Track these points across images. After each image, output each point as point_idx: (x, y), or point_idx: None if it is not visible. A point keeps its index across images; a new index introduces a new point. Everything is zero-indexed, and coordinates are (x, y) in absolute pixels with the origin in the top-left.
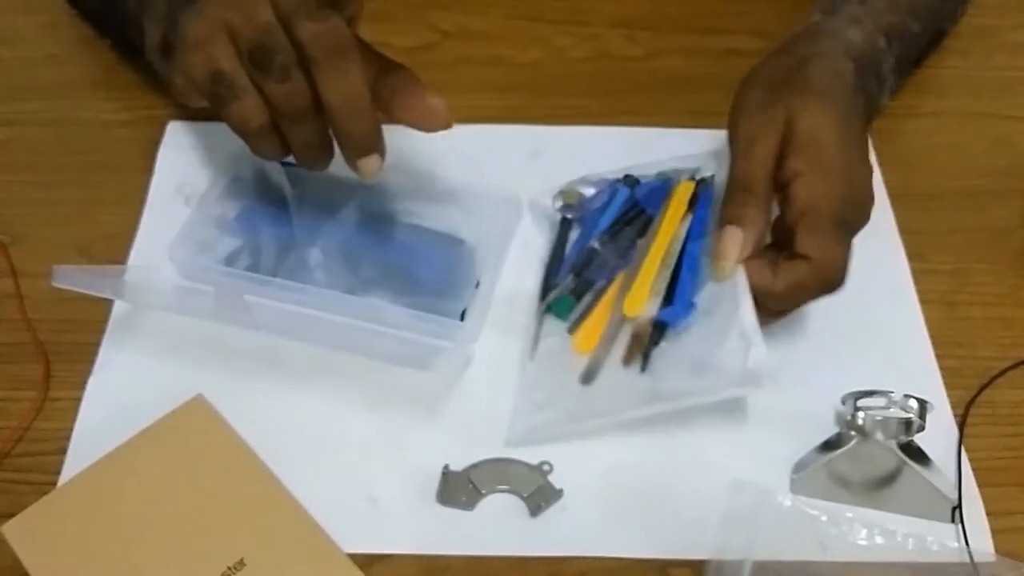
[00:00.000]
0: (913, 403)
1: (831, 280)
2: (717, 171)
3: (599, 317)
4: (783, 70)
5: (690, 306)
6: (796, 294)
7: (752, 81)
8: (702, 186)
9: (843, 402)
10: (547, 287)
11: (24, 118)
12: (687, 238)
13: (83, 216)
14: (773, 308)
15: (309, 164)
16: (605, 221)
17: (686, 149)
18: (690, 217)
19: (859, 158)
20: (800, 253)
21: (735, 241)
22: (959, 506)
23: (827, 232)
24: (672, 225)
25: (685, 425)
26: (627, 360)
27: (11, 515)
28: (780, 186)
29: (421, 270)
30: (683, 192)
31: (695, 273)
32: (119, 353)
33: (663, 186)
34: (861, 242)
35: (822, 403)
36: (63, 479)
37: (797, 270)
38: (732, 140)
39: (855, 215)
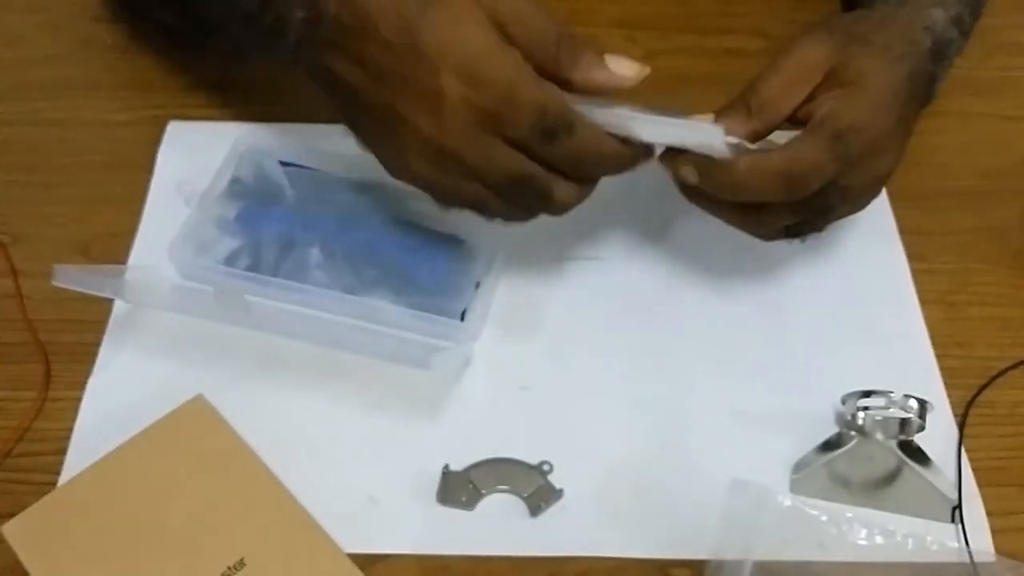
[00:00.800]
0: (913, 403)
1: (796, 184)
2: None
3: None
4: (858, 20)
5: None
6: (756, 178)
7: (822, 24)
8: None
9: (843, 402)
10: None
11: (24, 118)
12: None
13: (83, 216)
14: (727, 190)
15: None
16: None
17: None
18: None
19: (902, 124)
20: (788, 145)
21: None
22: (959, 506)
23: (821, 135)
24: None
25: (685, 425)
26: None
27: (11, 515)
28: (802, 112)
29: (421, 270)
30: None
31: None
32: (119, 353)
33: None
34: (861, 242)
35: (822, 403)
36: (63, 479)
37: (768, 158)
38: (778, 51)
39: (861, 153)
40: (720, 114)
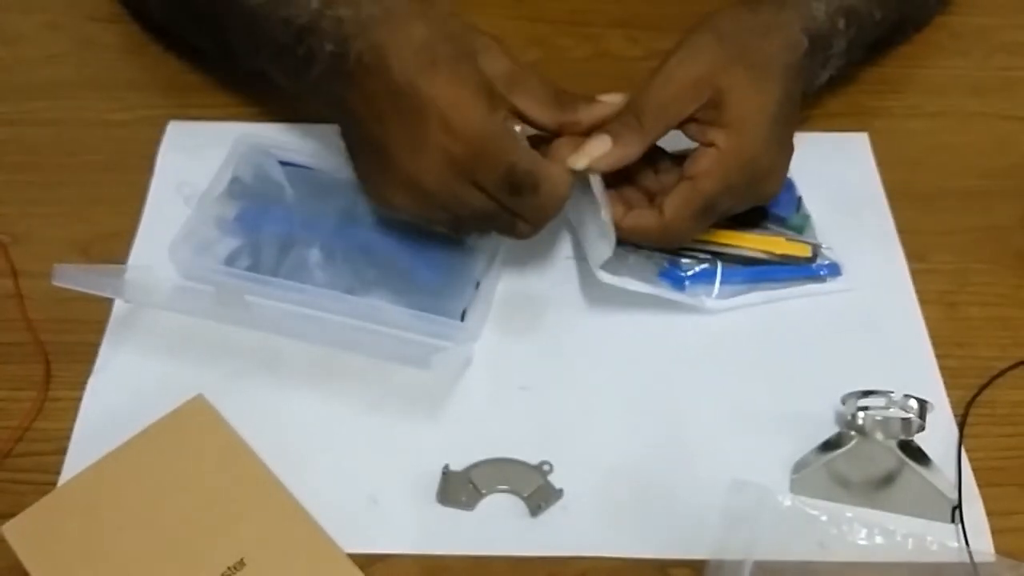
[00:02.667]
0: (913, 403)
1: (671, 240)
2: None
3: None
4: (743, 30)
5: None
6: (637, 237)
7: (710, 25)
8: None
9: (843, 402)
10: None
11: (24, 118)
12: None
13: (83, 216)
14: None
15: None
16: None
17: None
18: None
19: (783, 145)
20: (661, 205)
21: (600, 148)
22: (959, 506)
23: (693, 208)
24: None
25: (685, 425)
26: None
27: (11, 515)
28: (689, 134)
29: (421, 270)
30: None
31: None
32: (119, 353)
33: None
34: (861, 242)
35: (822, 403)
36: (63, 479)
37: (647, 220)
38: (663, 63)
39: (735, 203)
40: (612, 130)
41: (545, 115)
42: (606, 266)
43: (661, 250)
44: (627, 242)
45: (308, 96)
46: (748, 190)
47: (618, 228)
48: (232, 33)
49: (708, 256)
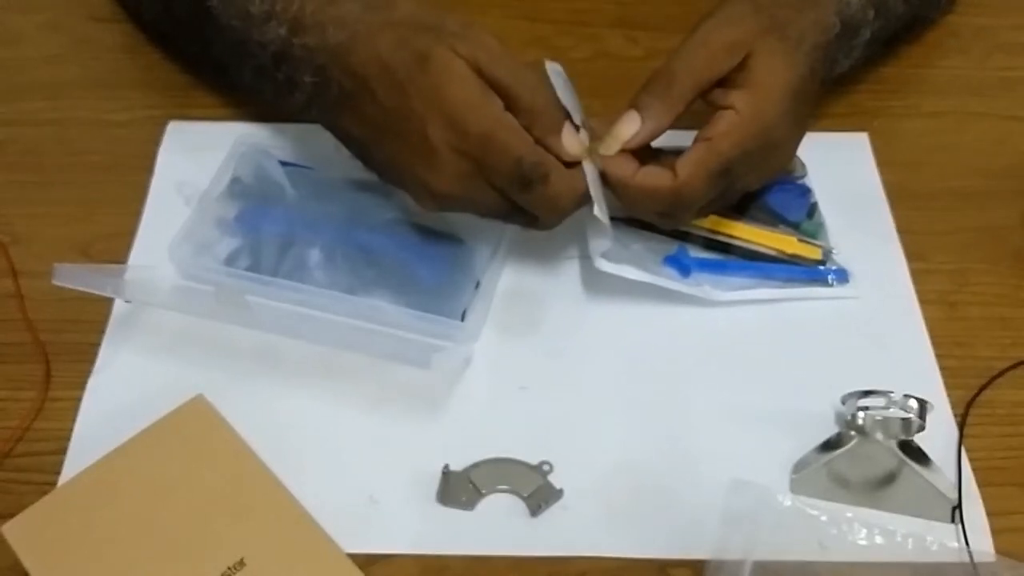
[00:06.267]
0: (913, 403)
1: (682, 204)
2: None
3: None
4: (779, 3)
5: None
6: (646, 198)
7: None
8: None
9: (843, 402)
10: None
11: (24, 118)
12: None
13: (83, 216)
14: (623, 202)
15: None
16: None
17: None
18: None
19: (798, 122)
20: (673, 166)
21: (631, 128)
22: (959, 506)
23: (708, 169)
24: None
25: (685, 425)
26: None
27: (11, 515)
28: (710, 98)
29: (421, 270)
30: None
31: None
32: (119, 353)
33: None
34: (861, 242)
35: (822, 403)
36: (63, 479)
37: (659, 178)
38: (694, 29)
39: (748, 172)
40: (640, 102)
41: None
42: (607, 254)
43: (667, 233)
44: (633, 218)
45: (301, 116)
46: (762, 160)
47: (628, 187)
48: (218, 50)
49: (716, 245)
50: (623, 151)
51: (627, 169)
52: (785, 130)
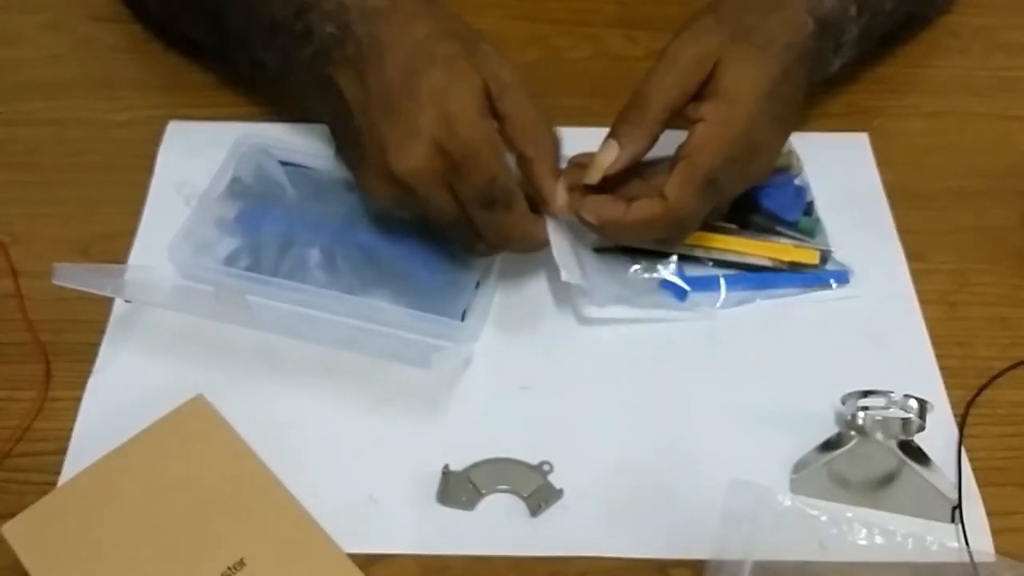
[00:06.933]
0: (913, 403)
1: (678, 226)
2: None
3: None
4: (742, 9)
5: None
6: (643, 230)
7: (710, 8)
8: None
9: (843, 402)
10: None
11: (24, 118)
12: None
13: (83, 216)
14: (621, 241)
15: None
16: None
17: None
18: None
19: (777, 123)
20: (661, 191)
21: (610, 156)
22: (959, 506)
23: (695, 185)
24: None
25: (685, 425)
26: None
27: (11, 515)
28: (684, 113)
29: (421, 270)
30: None
31: None
32: (119, 353)
33: None
34: (861, 242)
35: (822, 403)
36: (63, 479)
37: (651, 208)
38: (663, 52)
39: (734, 179)
40: (617, 130)
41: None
42: (595, 298)
43: (663, 254)
44: (634, 244)
45: (297, 79)
46: (746, 164)
47: (623, 225)
48: (228, 15)
49: (711, 263)
50: (606, 195)
51: (616, 210)
52: (763, 132)
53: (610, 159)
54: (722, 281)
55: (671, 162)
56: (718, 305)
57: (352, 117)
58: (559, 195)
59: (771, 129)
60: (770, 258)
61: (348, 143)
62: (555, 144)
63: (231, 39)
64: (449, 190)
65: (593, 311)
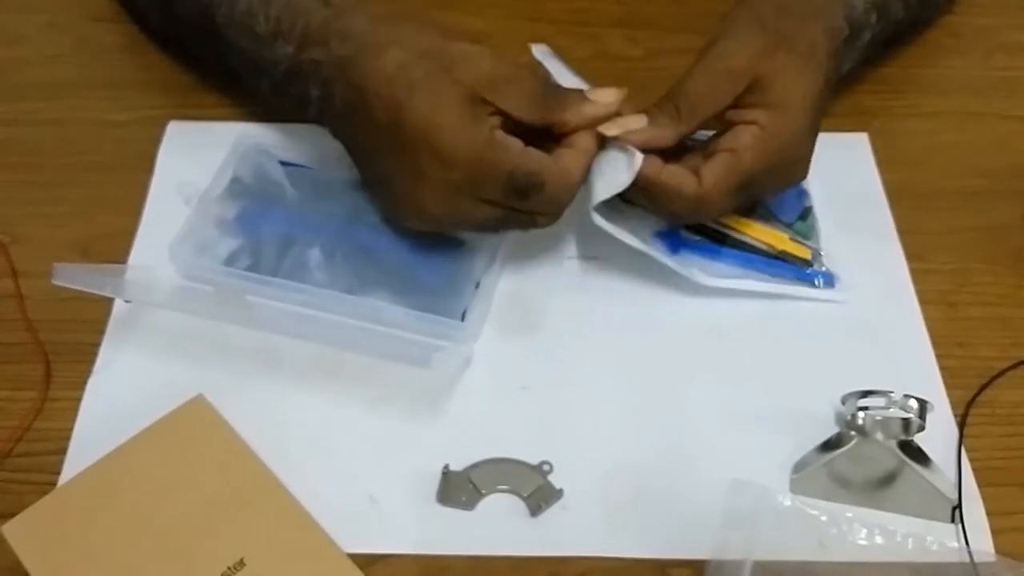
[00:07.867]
0: (913, 403)
1: (700, 210)
2: None
3: None
4: (786, 14)
5: None
6: (667, 194)
7: (752, 10)
8: None
9: (843, 402)
10: None
11: (24, 118)
12: None
13: (83, 216)
14: (639, 198)
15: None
16: None
17: None
18: None
19: (814, 133)
20: (699, 172)
21: (635, 124)
22: (959, 506)
23: (731, 180)
24: None
25: (685, 425)
26: None
27: (11, 515)
28: (727, 117)
29: (421, 270)
30: None
31: None
32: (119, 353)
33: None
34: (861, 242)
35: (822, 403)
36: (63, 479)
37: (685, 179)
38: (705, 53)
39: (769, 185)
40: (650, 113)
41: (531, 113)
42: (602, 212)
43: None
44: (643, 205)
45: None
46: (782, 174)
47: (654, 183)
48: (233, 63)
49: (708, 231)
50: (649, 152)
51: (654, 165)
52: (806, 143)
53: (634, 126)
54: (714, 250)
55: (707, 149)
56: (707, 273)
57: (368, 166)
58: (603, 99)
59: (810, 139)
60: (765, 241)
61: (375, 188)
62: (545, 90)
63: (239, 77)
64: (481, 201)
65: (600, 220)
